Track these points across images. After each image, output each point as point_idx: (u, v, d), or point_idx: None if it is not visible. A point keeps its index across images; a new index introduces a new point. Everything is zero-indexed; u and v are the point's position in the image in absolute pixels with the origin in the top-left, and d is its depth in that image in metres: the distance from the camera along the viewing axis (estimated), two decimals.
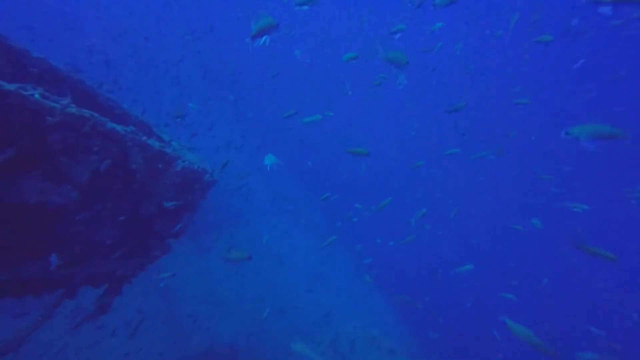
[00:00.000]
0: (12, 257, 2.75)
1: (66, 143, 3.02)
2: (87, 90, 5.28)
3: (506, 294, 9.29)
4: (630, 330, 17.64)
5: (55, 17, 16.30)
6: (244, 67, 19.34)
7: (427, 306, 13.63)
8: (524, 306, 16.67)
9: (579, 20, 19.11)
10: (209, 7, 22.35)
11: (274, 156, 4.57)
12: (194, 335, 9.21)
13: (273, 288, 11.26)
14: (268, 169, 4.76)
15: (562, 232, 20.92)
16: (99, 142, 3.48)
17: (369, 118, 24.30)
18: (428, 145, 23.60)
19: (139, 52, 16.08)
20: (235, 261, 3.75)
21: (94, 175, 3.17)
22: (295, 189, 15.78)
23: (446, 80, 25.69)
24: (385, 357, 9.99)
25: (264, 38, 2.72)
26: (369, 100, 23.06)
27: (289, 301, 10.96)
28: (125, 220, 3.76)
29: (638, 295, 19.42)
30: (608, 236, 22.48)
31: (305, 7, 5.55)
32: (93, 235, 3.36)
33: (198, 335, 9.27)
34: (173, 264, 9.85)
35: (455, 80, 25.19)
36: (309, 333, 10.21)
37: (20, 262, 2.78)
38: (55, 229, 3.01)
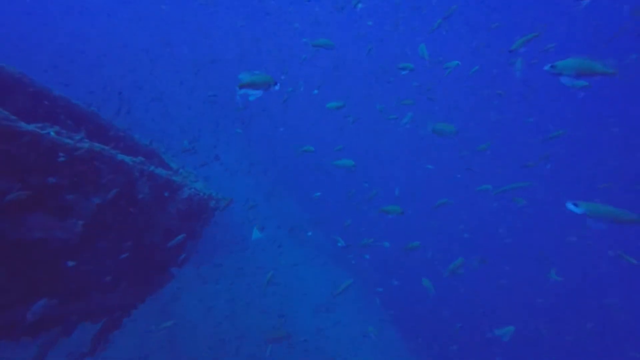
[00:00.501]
0: (8, 297, 2.77)
1: (76, 177, 3.16)
2: (101, 123, 5.57)
3: None
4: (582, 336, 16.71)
5: (74, 53, 17.45)
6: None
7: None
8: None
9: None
10: (218, 39, 23.74)
11: (258, 231, 4.73)
12: None
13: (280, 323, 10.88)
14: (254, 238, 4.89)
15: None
16: (108, 174, 3.63)
17: (379, 147, 24.44)
18: (454, 186, 23.28)
19: (151, 83, 16.96)
20: (278, 340, 3.69)
21: (101, 208, 3.27)
22: (303, 216, 15.64)
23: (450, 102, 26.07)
24: None
25: (254, 92, 2.72)
26: (378, 131, 23.21)
27: (295, 338, 10.50)
28: (128, 250, 3.81)
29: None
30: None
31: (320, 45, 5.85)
32: (94, 268, 3.40)
33: None
34: (175, 292, 9.72)
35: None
36: None
37: (16, 303, 2.79)
38: (54, 265, 3.05)
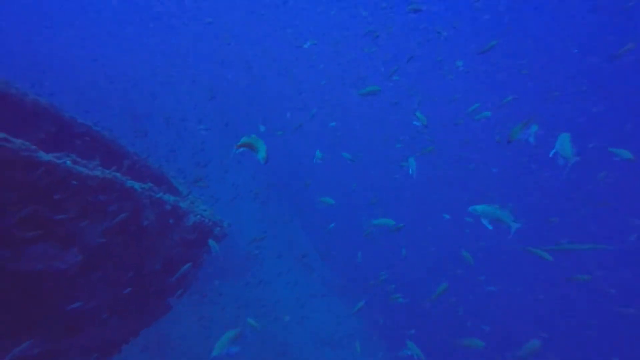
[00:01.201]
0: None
1: (85, 205, 3.24)
2: (116, 148, 5.78)
3: None
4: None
5: (98, 76, 18.52)
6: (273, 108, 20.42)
7: None
8: None
9: None
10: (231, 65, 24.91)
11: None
12: None
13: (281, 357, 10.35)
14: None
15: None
16: (116, 202, 3.72)
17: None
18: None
19: (166, 106, 17.70)
20: None
21: (105, 235, 3.31)
22: (311, 246, 15.16)
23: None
24: None
25: (241, 149, 2.85)
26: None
27: None
28: (128, 280, 3.79)
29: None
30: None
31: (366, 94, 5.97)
32: (91, 301, 3.37)
33: None
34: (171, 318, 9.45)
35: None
36: None
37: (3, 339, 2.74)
38: (51, 298, 3.02)
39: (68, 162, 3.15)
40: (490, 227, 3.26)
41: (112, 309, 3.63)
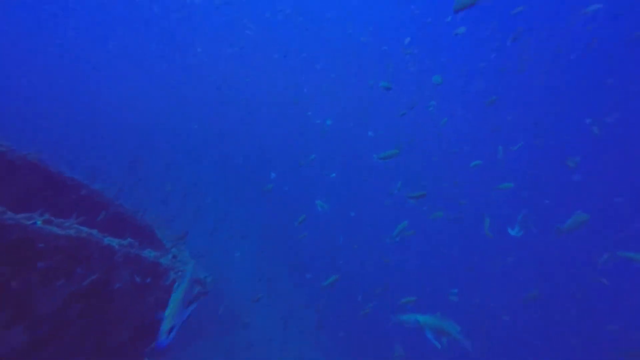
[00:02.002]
0: None
1: (52, 268, 3.03)
2: (101, 200, 5.68)
3: None
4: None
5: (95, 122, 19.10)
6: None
7: None
8: None
9: None
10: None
11: None
12: None
13: None
14: None
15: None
16: (87, 262, 3.50)
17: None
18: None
19: (165, 154, 18.01)
20: None
21: (66, 302, 3.04)
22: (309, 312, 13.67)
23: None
24: None
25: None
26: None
27: None
28: (88, 355, 3.40)
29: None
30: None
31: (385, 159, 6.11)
32: None
33: None
34: None
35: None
36: None
37: None
38: None
39: (39, 222, 3.03)
40: (437, 345, 3.03)
41: None
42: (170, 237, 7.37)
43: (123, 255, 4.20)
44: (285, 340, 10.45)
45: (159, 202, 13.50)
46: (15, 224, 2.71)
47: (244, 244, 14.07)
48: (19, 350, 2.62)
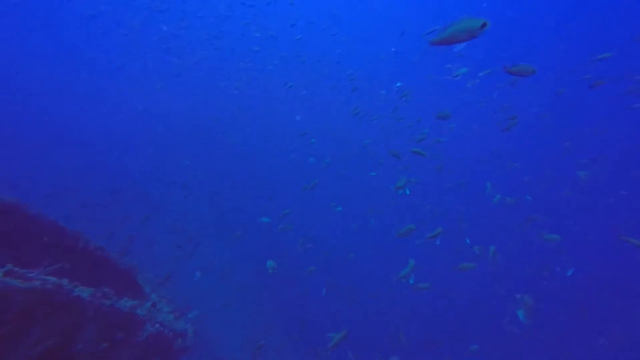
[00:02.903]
0: None
1: (10, 327, 2.66)
2: (77, 242, 5.32)
3: None
4: None
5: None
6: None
7: None
8: None
9: None
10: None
11: None
12: None
13: None
14: None
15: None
16: (50, 318, 3.11)
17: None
18: None
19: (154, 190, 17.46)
20: None
21: None
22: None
23: None
24: None
25: None
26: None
27: None
28: None
29: None
30: None
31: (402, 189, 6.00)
32: None
33: None
34: None
35: None
36: None
37: None
38: None
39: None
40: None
41: None
42: (151, 281, 6.87)
43: (94, 308, 3.79)
44: None
45: (142, 239, 12.84)
46: None
47: (236, 291, 13.02)
48: None
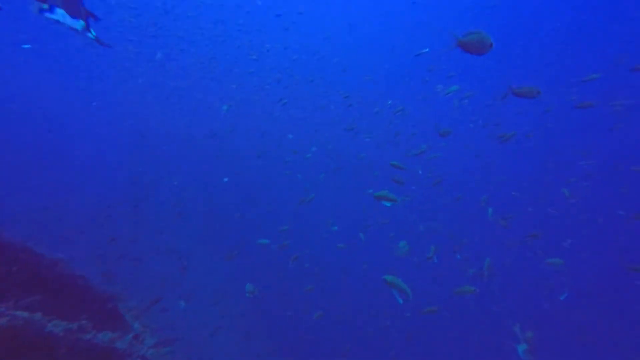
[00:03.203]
0: None
1: None
2: (57, 271, 5.06)
3: None
4: None
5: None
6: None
7: None
8: None
9: None
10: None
11: None
12: None
13: None
14: None
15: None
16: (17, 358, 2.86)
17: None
18: None
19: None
20: None
21: None
22: None
23: None
24: None
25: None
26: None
27: None
28: None
29: None
30: None
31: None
32: None
33: None
34: None
35: None
36: None
37: None
38: None
39: None
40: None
41: None
42: (135, 308, 6.52)
43: (68, 344, 3.53)
44: None
45: (130, 259, 12.37)
46: None
47: (226, 315, 12.37)
48: None
